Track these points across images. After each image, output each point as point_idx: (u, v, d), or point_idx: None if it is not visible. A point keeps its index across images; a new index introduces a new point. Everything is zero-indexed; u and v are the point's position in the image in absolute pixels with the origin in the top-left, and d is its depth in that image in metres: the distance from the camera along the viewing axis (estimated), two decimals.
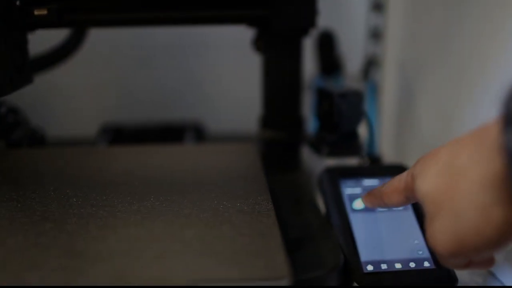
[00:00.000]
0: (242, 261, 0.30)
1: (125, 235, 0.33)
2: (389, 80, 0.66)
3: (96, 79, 0.73)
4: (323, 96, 0.49)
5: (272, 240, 0.32)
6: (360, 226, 0.42)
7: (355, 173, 0.46)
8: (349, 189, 0.45)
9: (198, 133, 0.65)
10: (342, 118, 0.47)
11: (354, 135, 0.49)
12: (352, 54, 0.68)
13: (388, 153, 0.65)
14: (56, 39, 0.55)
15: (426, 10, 0.57)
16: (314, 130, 0.58)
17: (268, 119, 0.53)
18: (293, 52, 0.51)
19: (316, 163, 0.60)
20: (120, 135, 0.64)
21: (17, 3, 0.45)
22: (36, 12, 0.45)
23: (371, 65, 0.66)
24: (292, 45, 0.51)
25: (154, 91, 0.74)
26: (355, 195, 0.45)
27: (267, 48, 0.52)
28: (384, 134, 0.67)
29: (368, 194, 0.40)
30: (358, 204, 0.43)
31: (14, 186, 0.41)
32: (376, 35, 0.68)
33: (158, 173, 0.44)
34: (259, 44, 0.52)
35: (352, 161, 0.53)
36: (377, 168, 0.48)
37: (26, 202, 0.37)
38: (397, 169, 0.47)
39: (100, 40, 0.63)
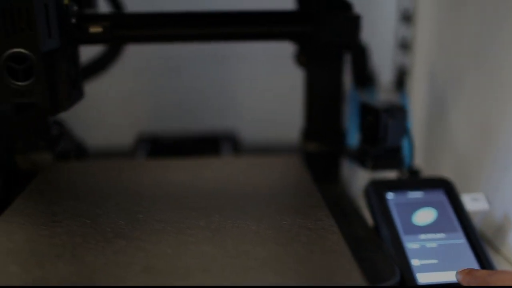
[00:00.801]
0: (320, 279, 0.31)
1: (200, 252, 0.34)
2: (418, 90, 0.67)
3: (127, 88, 0.74)
4: (367, 111, 0.50)
5: (344, 257, 0.34)
6: (411, 240, 0.43)
7: (400, 186, 0.48)
8: (396, 202, 0.47)
9: (234, 144, 0.66)
10: (387, 133, 0.48)
11: (397, 149, 0.50)
12: (382, 65, 0.69)
13: (418, 165, 0.66)
14: None
15: (457, 19, 0.58)
16: (351, 141, 0.59)
17: (310, 131, 0.54)
18: (336, 66, 0.52)
19: (352, 174, 0.61)
20: (157, 146, 0.65)
21: (73, 20, 0.45)
22: (91, 30, 0.46)
23: (403, 76, 0.67)
24: (335, 59, 0.52)
25: (184, 100, 0.74)
26: (402, 208, 0.46)
27: (310, 62, 0.53)
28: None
29: (468, 274, 0.37)
30: (417, 219, 0.45)
31: (77, 201, 0.42)
32: (405, 45, 0.70)
33: (212, 186, 0.45)
34: (302, 58, 0.53)
35: (390, 173, 0.54)
36: (420, 181, 0.49)
37: (94, 218, 0.38)
38: (440, 182, 0.48)
39: (131, 49, 0.63)
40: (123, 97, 0.74)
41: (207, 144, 0.66)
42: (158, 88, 0.74)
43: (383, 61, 0.70)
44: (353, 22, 0.49)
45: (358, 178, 0.61)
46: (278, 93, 0.73)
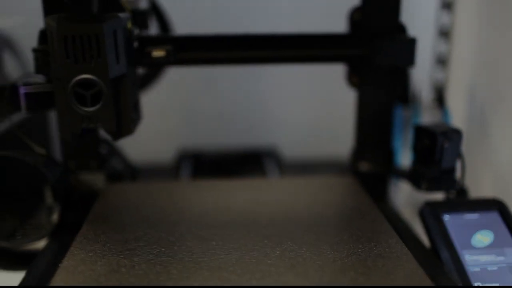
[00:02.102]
0: None
1: (284, 283, 0.34)
2: (456, 107, 0.67)
3: (163, 103, 0.74)
4: (422, 134, 0.50)
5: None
6: (472, 263, 0.44)
7: (456, 208, 0.48)
8: (453, 223, 0.47)
9: (276, 160, 0.66)
10: (443, 155, 0.49)
11: (451, 171, 0.50)
12: (420, 81, 0.70)
13: None
14: None
15: (499, 35, 0.59)
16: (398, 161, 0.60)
17: (361, 151, 0.54)
18: (388, 87, 0.53)
19: (397, 193, 0.62)
20: (199, 163, 0.65)
21: (135, 44, 0.46)
22: (154, 54, 0.46)
23: (442, 92, 0.68)
24: (387, 81, 0.52)
25: (222, 114, 0.75)
26: (459, 230, 0.46)
27: (362, 84, 0.53)
28: None
29: None
30: (475, 241, 0.45)
31: (146, 226, 0.42)
32: (442, 61, 0.70)
33: (276, 210, 0.45)
34: (354, 79, 0.53)
35: (437, 194, 0.54)
36: (474, 202, 0.50)
37: (169, 246, 0.39)
38: (494, 203, 0.49)
39: None
40: (160, 112, 0.74)
41: (249, 161, 0.67)
42: (195, 103, 0.75)
43: (421, 77, 0.70)
44: (409, 45, 0.49)
45: (399, 196, 0.62)
46: (318, 107, 0.74)
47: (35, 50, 0.49)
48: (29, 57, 0.66)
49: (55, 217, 0.56)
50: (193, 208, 0.46)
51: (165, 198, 0.48)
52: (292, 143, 0.73)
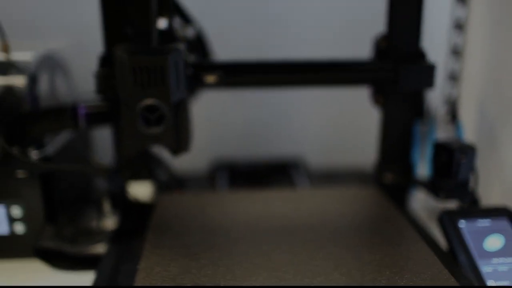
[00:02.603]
0: None
1: (333, 280, 0.40)
2: (468, 120, 0.74)
3: (197, 116, 0.80)
4: (441, 150, 0.57)
5: None
6: (485, 264, 0.50)
7: (470, 215, 0.54)
8: (468, 229, 0.53)
9: (303, 170, 0.72)
10: (459, 170, 0.55)
11: (466, 182, 0.57)
12: (433, 96, 0.76)
13: None
14: None
15: (507, 51, 0.65)
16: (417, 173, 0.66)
17: (385, 163, 0.61)
18: (410, 106, 0.59)
19: (413, 201, 0.68)
20: (232, 173, 0.72)
21: (190, 70, 0.52)
22: (207, 80, 0.52)
23: (455, 107, 0.74)
24: (410, 100, 0.59)
25: (249, 125, 0.81)
26: (474, 235, 0.53)
27: (387, 103, 0.59)
28: None
29: None
30: (488, 245, 0.51)
31: (204, 233, 0.48)
32: (454, 77, 0.76)
33: (312, 217, 0.51)
34: (379, 99, 0.60)
35: (450, 203, 0.60)
36: (486, 210, 0.56)
37: (229, 250, 0.45)
38: (504, 211, 0.55)
39: None
40: (194, 125, 0.80)
41: (278, 171, 0.73)
42: (227, 116, 0.81)
43: (435, 94, 0.77)
44: (430, 70, 0.55)
45: (415, 203, 0.68)
46: (341, 119, 0.80)
47: (97, 75, 0.55)
48: (77, 76, 0.72)
49: (113, 223, 0.62)
50: (239, 216, 0.52)
51: (214, 207, 0.54)
52: (317, 153, 0.79)
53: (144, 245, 0.46)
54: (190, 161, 0.75)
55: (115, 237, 0.54)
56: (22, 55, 0.60)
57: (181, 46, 0.50)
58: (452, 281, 0.41)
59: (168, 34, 0.52)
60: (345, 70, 0.55)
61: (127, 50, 0.47)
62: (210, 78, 0.52)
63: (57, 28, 0.74)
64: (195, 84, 0.52)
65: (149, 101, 0.47)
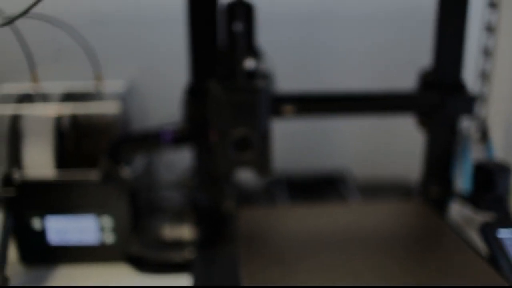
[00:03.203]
0: None
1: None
2: (497, 138, 0.82)
3: None
4: (481, 170, 0.66)
5: None
6: None
7: (508, 225, 0.63)
8: (507, 237, 0.62)
9: (349, 183, 0.81)
10: (497, 187, 0.64)
11: (503, 197, 0.66)
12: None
13: None
14: None
15: None
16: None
17: (429, 179, 0.69)
18: (452, 129, 0.67)
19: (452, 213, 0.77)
20: (292, 186, 0.80)
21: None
22: (285, 110, 0.60)
23: (486, 128, 0.83)
24: (452, 125, 0.67)
25: (293, 137, 0.88)
26: None
27: (431, 126, 0.68)
28: None
29: None
30: None
31: (294, 245, 0.56)
32: (483, 99, 0.85)
33: (381, 234, 0.59)
34: (424, 122, 0.68)
35: (484, 215, 0.69)
36: None
37: (327, 262, 0.53)
38: None
39: None
40: None
41: (326, 184, 0.81)
42: (279, 131, 0.88)
43: None
44: (471, 100, 0.64)
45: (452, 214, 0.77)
46: (383, 132, 0.88)
47: (188, 102, 0.63)
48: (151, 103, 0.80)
49: (190, 233, 0.70)
50: (318, 228, 0.60)
51: (291, 219, 0.62)
52: (359, 166, 0.88)
53: (240, 252, 0.54)
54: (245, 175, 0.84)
55: (201, 244, 0.62)
56: (113, 83, 0.67)
57: (264, 83, 0.58)
58: (503, 283, 0.49)
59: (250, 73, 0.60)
60: (399, 100, 0.64)
61: (224, 87, 0.55)
62: (288, 109, 0.60)
63: (130, 56, 0.82)
64: (274, 114, 0.60)
65: (241, 132, 0.56)
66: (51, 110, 0.67)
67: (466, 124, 0.80)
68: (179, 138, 0.66)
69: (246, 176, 0.84)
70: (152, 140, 0.65)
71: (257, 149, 0.56)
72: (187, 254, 0.63)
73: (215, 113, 0.56)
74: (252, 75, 0.60)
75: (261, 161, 0.57)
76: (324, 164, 0.88)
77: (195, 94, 0.61)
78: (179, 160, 0.72)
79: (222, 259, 0.60)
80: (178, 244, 0.67)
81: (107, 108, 0.68)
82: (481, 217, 0.65)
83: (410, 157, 0.87)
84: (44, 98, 0.70)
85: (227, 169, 0.57)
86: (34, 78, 0.67)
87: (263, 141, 0.57)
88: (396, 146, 0.91)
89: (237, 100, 0.55)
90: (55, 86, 0.70)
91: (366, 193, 0.80)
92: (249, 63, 0.59)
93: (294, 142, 0.88)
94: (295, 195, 0.78)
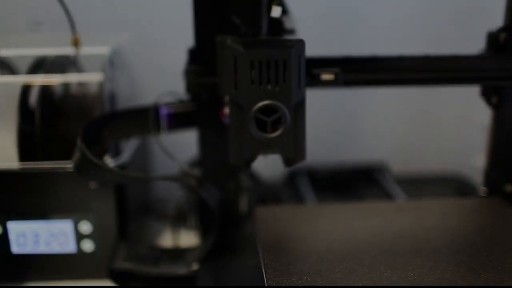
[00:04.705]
0: None
1: None
2: None
3: None
4: None
5: None
6: None
7: None
8: None
9: (388, 175, 0.66)
10: None
11: None
12: None
13: None
14: None
15: None
16: None
17: (501, 171, 0.55)
18: None
19: None
20: (314, 179, 0.65)
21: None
22: (324, 77, 0.45)
23: None
24: None
25: (323, 127, 0.74)
26: None
27: (501, 105, 0.53)
28: None
29: None
30: None
31: (318, 243, 0.43)
32: None
33: (444, 233, 0.45)
34: (494, 100, 0.53)
35: None
36: None
37: (353, 262, 0.40)
38: None
39: None
40: None
41: (361, 176, 0.67)
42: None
43: None
44: None
45: None
46: (422, 121, 0.74)
47: (188, 71, 0.49)
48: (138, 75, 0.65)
49: (194, 239, 0.56)
50: (345, 228, 0.46)
51: (316, 219, 0.48)
52: (397, 157, 0.73)
53: (262, 257, 0.41)
54: (267, 167, 0.69)
55: (208, 253, 0.48)
56: (96, 49, 0.52)
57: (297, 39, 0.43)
58: None
59: (278, 27, 0.45)
60: (464, 67, 0.49)
61: (241, 42, 0.40)
62: (327, 76, 0.45)
63: (117, 22, 0.67)
64: (310, 82, 0.45)
65: (268, 102, 0.40)
66: (16, 81, 0.52)
67: None
68: (179, 117, 0.51)
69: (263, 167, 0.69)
70: (144, 120, 0.50)
71: (287, 127, 0.41)
72: (190, 266, 0.48)
73: (229, 79, 0.41)
74: (280, 29, 0.45)
75: (292, 143, 0.42)
76: (351, 155, 0.74)
77: (201, 60, 0.46)
78: (178, 148, 0.56)
79: (233, 271, 0.47)
80: (177, 254, 0.52)
81: (87, 79, 0.52)
82: None
83: (452, 148, 0.75)
84: (6, 67, 0.54)
85: (249, 154, 0.42)
86: None
87: (296, 115, 0.42)
88: (434, 135, 0.77)
89: (262, 58, 0.39)
90: (22, 53, 0.55)
91: (408, 187, 0.65)
92: (276, 11, 0.44)
93: (325, 131, 0.74)
94: (320, 190, 0.63)
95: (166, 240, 0.59)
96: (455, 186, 0.69)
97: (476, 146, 0.67)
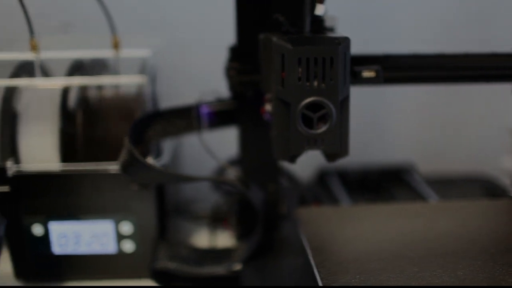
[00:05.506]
0: None
1: None
2: None
3: None
4: None
5: None
6: None
7: None
8: None
9: (417, 175, 0.67)
10: None
11: None
12: None
13: None
14: None
15: None
16: None
17: None
18: None
19: None
20: (344, 179, 0.66)
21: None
22: (365, 75, 0.46)
23: None
24: None
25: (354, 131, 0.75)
26: None
27: None
28: None
29: None
30: None
31: (365, 243, 0.43)
32: None
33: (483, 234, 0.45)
34: None
35: None
36: None
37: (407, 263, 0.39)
38: None
39: None
40: None
41: (390, 177, 0.67)
42: None
43: None
44: None
45: None
46: (446, 122, 0.74)
47: (230, 68, 0.49)
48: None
49: (233, 239, 0.56)
50: (386, 229, 0.46)
51: (359, 220, 0.48)
52: (422, 158, 0.73)
53: (312, 257, 0.41)
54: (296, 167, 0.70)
55: (250, 253, 0.48)
56: (137, 52, 0.53)
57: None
58: None
59: (319, 25, 0.46)
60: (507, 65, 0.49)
61: (288, 39, 0.41)
62: (369, 73, 0.46)
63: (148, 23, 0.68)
64: (353, 79, 0.46)
65: (314, 99, 0.41)
66: (56, 84, 0.53)
67: None
68: (220, 115, 0.52)
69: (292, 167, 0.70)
70: (186, 119, 0.51)
71: (333, 123, 0.41)
72: (233, 266, 0.49)
73: (276, 76, 0.42)
74: (321, 27, 0.46)
75: (338, 139, 0.42)
76: (377, 156, 0.74)
77: (243, 58, 0.47)
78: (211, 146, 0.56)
79: (277, 271, 0.48)
80: (219, 254, 0.52)
81: (128, 81, 0.53)
82: None
83: (478, 148, 0.75)
84: (47, 69, 0.55)
85: (295, 150, 0.42)
86: (34, 46, 0.53)
87: (341, 112, 0.42)
88: (458, 136, 0.77)
89: (309, 55, 0.40)
90: (62, 55, 0.55)
91: (438, 190, 0.65)
92: (320, 10, 0.44)
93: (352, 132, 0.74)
94: (351, 191, 0.64)
95: (202, 240, 0.59)
96: (483, 187, 0.69)
97: (500, 147, 0.68)
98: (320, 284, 0.37)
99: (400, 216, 0.48)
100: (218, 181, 0.59)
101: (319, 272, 0.39)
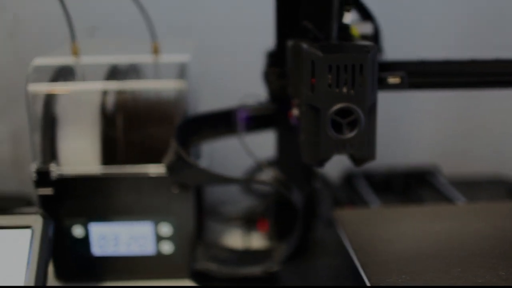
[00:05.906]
0: None
1: None
2: None
3: None
4: None
5: None
6: None
7: None
8: None
9: (442, 178, 0.68)
10: None
11: None
12: None
13: None
14: None
15: None
16: None
17: None
18: None
19: None
20: (371, 182, 0.67)
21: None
22: (390, 81, 0.47)
23: None
24: None
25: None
26: None
27: None
28: None
29: None
30: None
31: (409, 245, 0.44)
32: None
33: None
34: None
35: None
36: None
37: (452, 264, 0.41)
38: None
39: None
40: None
41: (415, 179, 0.68)
42: None
43: None
44: None
45: None
46: (467, 124, 0.76)
47: (269, 73, 0.51)
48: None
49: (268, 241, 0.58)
50: (424, 231, 0.47)
51: (392, 221, 0.50)
52: (444, 160, 0.75)
53: (357, 257, 0.43)
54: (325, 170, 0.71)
55: (288, 254, 0.50)
56: (176, 57, 0.55)
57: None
58: None
59: (346, 32, 0.48)
60: None
61: (318, 47, 0.43)
62: (394, 79, 0.47)
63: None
64: (379, 85, 0.48)
65: (344, 105, 0.43)
66: (97, 88, 0.55)
67: None
68: (259, 119, 0.54)
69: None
70: (227, 122, 0.53)
71: (362, 128, 0.43)
72: (271, 267, 0.50)
73: (306, 82, 0.44)
74: (348, 34, 0.48)
75: (366, 143, 0.44)
76: (400, 158, 0.75)
77: (282, 63, 0.49)
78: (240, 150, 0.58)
79: (315, 272, 0.49)
80: (254, 255, 0.54)
81: (168, 86, 0.55)
82: None
83: (499, 151, 0.76)
84: (87, 73, 0.57)
85: (324, 154, 0.44)
86: (75, 50, 0.55)
87: (369, 117, 0.44)
88: (479, 138, 0.79)
89: (340, 62, 0.42)
90: (102, 60, 0.57)
91: (463, 191, 0.66)
92: (348, 18, 0.46)
93: (383, 136, 0.75)
94: (378, 192, 0.65)
95: (236, 242, 0.61)
96: (507, 188, 0.70)
97: None
98: (368, 284, 0.39)
99: (434, 217, 0.50)
100: (262, 183, 0.60)
101: (365, 272, 0.40)
